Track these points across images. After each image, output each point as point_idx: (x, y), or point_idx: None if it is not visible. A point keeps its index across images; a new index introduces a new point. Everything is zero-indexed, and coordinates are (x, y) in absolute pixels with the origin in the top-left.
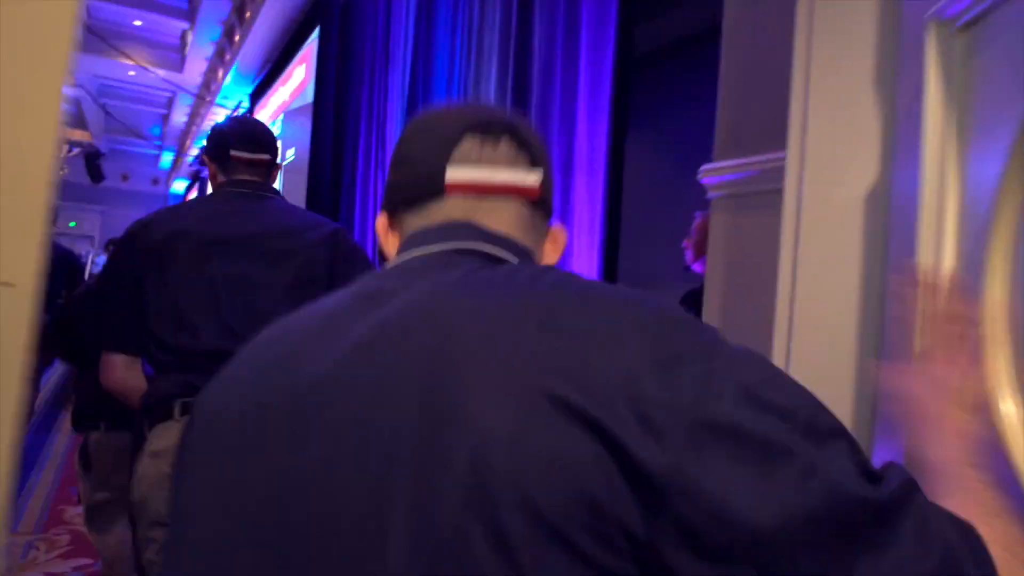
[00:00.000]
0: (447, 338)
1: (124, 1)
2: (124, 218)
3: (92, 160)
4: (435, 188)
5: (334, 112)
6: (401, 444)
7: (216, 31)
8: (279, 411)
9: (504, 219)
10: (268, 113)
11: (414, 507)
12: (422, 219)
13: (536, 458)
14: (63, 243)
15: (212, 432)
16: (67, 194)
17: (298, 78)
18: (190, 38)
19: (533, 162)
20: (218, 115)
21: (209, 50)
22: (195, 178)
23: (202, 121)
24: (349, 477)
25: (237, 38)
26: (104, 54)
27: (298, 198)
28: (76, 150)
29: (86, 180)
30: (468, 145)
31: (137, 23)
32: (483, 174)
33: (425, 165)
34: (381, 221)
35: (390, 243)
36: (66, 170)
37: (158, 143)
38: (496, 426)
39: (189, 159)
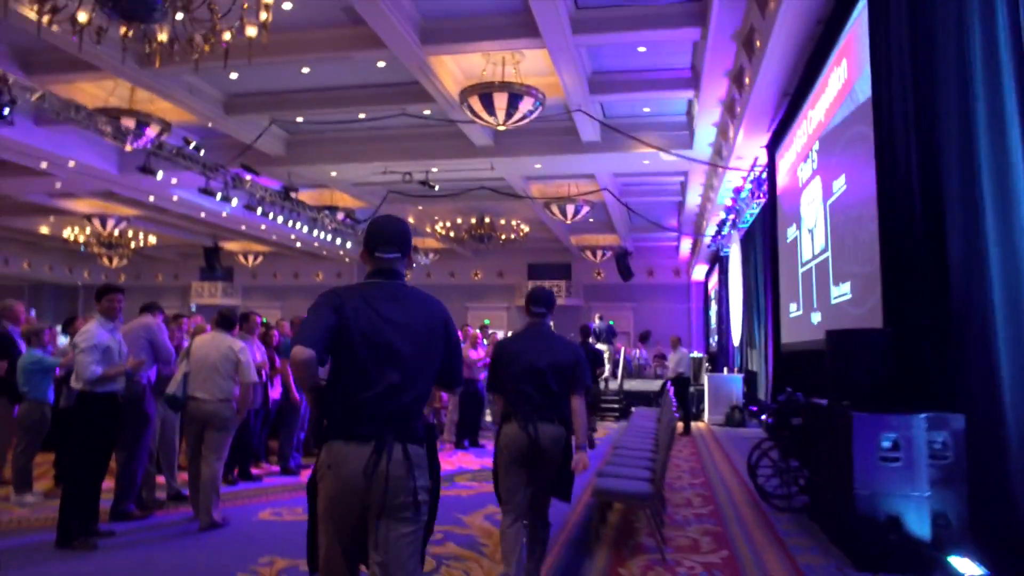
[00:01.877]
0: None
1: (632, 88)
2: (653, 311)
3: (622, 260)
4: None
5: (914, 100)
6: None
7: (721, 86)
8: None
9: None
10: (791, 158)
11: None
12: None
13: None
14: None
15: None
16: (603, 295)
17: (834, 89)
18: (696, 108)
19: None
20: (731, 182)
21: (715, 113)
22: (714, 260)
23: (716, 195)
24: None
25: (747, 80)
26: (621, 148)
27: (863, 247)
28: (608, 253)
29: (617, 279)
30: None
31: (646, 110)
32: None
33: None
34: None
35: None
36: (602, 274)
37: (675, 232)
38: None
39: (706, 241)
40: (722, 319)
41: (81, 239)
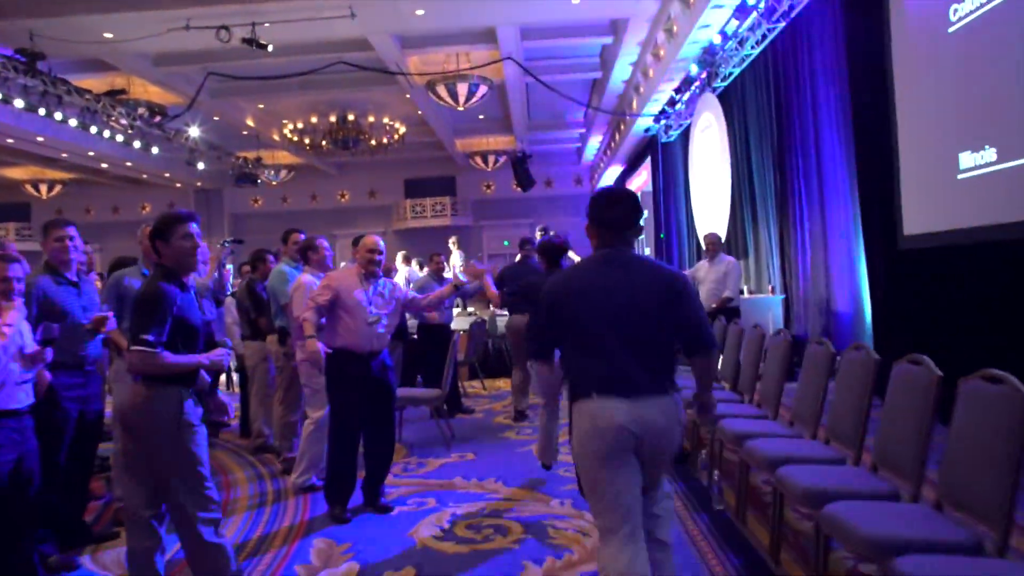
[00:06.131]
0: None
1: None
2: (554, 227)
3: (520, 165)
4: None
5: None
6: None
7: None
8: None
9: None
10: None
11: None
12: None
13: None
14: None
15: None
16: (495, 211)
17: None
18: None
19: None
20: (718, 13)
21: None
22: (641, 155)
23: (673, 49)
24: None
25: None
26: None
27: None
28: (502, 159)
29: (510, 192)
30: None
31: None
32: None
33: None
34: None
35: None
36: (492, 187)
37: (581, 132)
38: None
39: (643, 124)
40: (671, 222)
41: None
